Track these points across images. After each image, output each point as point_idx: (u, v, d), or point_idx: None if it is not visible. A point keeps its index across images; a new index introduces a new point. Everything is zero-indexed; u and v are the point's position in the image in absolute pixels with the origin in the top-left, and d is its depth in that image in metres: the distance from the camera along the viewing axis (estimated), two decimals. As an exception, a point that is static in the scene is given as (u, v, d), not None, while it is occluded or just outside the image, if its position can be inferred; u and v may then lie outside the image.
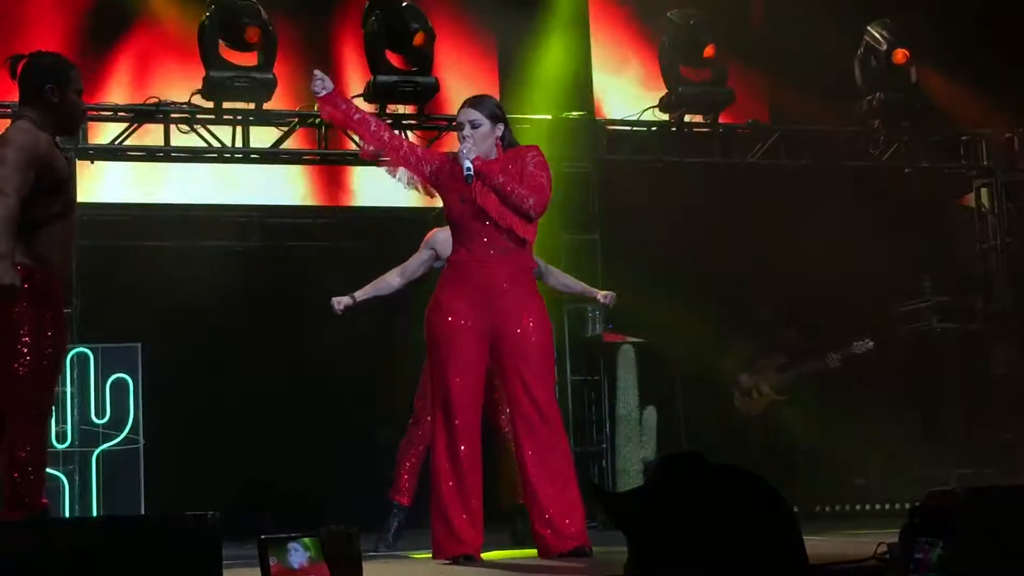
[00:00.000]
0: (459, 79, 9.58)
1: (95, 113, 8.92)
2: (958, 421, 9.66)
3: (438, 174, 5.68)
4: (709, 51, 9.29)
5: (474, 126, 5.58)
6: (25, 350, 5.20)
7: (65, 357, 5.59)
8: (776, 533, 1.76)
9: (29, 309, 5.20)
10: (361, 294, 7.05)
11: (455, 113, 5.81)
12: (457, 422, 5.60)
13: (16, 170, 5.23)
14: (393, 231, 8.36)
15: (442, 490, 5.59)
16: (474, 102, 5.71)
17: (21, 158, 5.26)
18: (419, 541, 6.64)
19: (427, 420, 6.95)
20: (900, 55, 9.51)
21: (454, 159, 5.69)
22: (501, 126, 5.64)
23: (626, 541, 1.88)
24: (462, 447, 5.59)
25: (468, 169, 5.44)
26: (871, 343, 9.15)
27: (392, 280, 7.12)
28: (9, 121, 5.92)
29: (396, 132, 6.51)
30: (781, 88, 9.89)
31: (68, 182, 5.60)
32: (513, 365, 5.65)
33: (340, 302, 6.98)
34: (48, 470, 7.85)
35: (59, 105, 5.43)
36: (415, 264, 7.12)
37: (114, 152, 8.97)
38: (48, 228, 5.32)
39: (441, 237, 6.91)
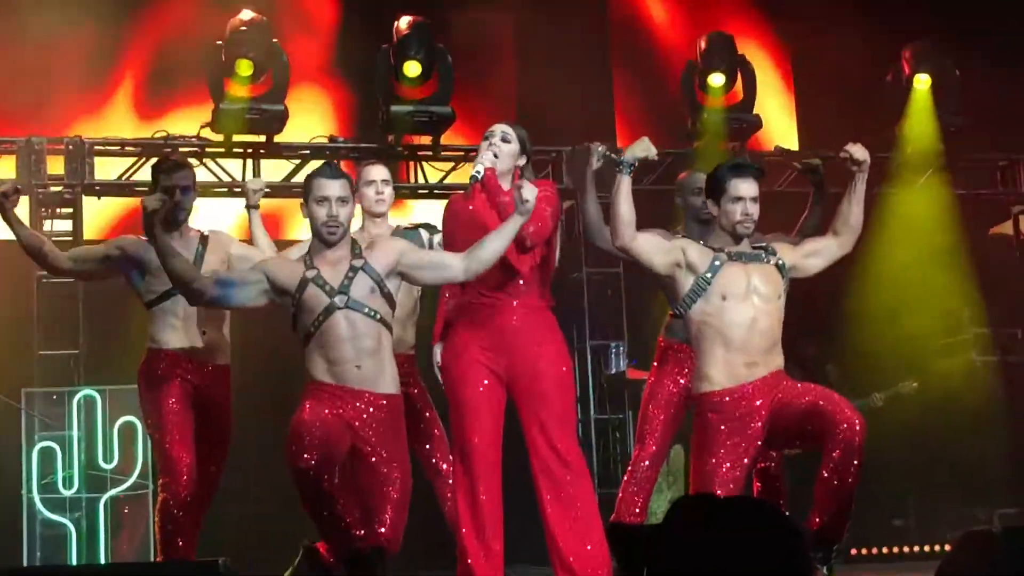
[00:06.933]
0: (475, 112, 7.05)
1: (101, 148, 6.46)
2: (1000, 457, 6.98)
3: (454, 223, 4.25)
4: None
5: (504, 139, 4.16)
6: None
7: None
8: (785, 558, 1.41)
9: None
10: None
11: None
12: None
13: None
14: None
15: (464, 536, 4.28)
16: (511, 123, 4.33)
17: None
18: None
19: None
20: (923, 79, 6.99)
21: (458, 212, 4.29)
22: (525, 158, 4.23)
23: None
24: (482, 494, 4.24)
25: (479, 172, 4.06)
26: (915, 383, 6.63)
27: None
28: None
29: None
30: (810, 114, 7.35)
31: None
32: (530, 408, 4.18)
33: None
34: (54, 516, 5.38)
35: None
36: None
37: (122, 188, 6.45)
38: None
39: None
